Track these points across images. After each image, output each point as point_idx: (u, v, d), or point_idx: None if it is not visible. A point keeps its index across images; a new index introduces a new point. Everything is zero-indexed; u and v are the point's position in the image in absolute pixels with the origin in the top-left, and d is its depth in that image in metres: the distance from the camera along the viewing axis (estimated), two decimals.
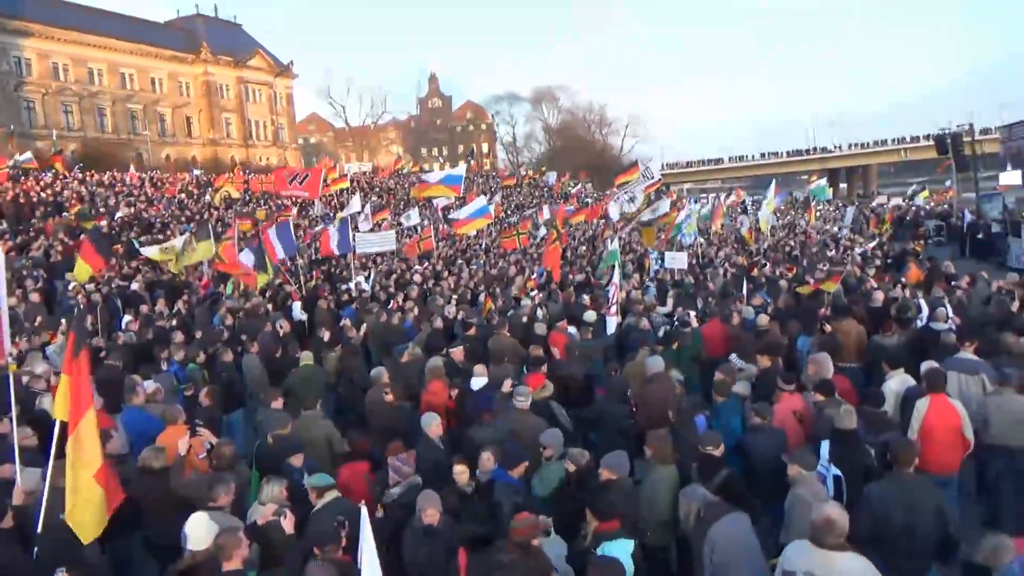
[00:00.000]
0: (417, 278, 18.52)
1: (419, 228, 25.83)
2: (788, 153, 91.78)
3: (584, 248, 26.89)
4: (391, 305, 14.11)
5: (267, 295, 15.59)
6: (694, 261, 20.73)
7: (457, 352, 9.70)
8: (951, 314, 9.90)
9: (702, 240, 25.95)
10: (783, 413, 6.84)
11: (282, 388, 8.84)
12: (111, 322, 13.64)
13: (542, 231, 26.91)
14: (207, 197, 33.09)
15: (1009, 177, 29.41)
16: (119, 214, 26.32)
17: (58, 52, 59.17)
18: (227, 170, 49.33)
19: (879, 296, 11.67)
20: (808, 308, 11.79)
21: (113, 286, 16.35)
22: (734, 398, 7.47)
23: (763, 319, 10.69)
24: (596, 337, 11.07)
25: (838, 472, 5.69)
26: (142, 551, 6.29)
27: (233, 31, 78.26)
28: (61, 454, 5.43)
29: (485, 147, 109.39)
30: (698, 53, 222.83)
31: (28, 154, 34.38)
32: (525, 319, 12.21)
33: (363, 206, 28.54)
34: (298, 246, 20.00)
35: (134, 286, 16.44)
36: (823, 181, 44.36)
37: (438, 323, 11.92)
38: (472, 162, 73.14)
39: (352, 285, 17.24)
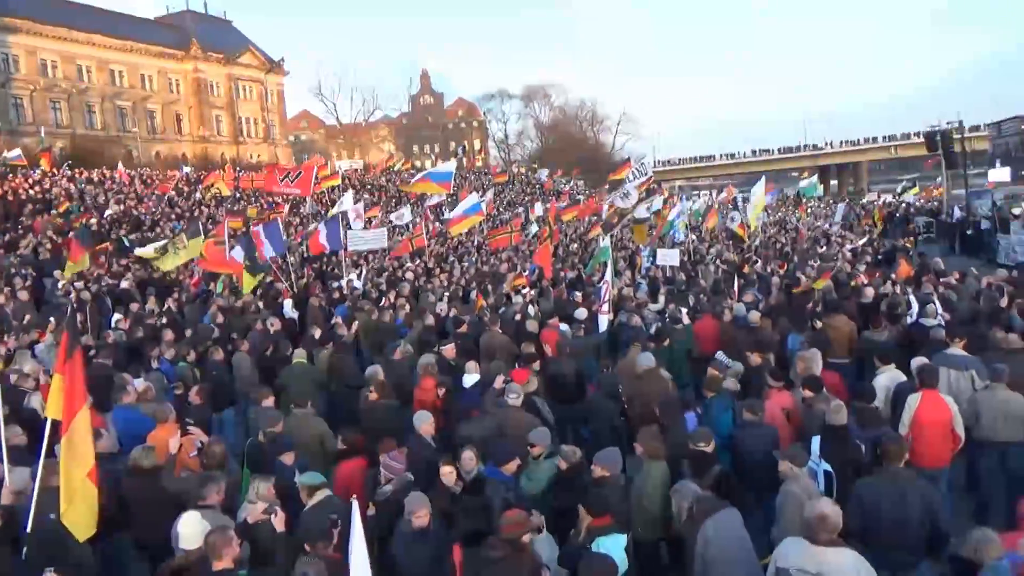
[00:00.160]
0: (409, 275, 18.47)
1: (411, 226, 25.76)
2: (779, 150, 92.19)
3: (576, 245, 26.89)
4: (383, 303, 14.08)
5: (257, 293, 15.53)
6: (686, 258, 20.76)
7: (449, 349, 9.69)
8: (940, 310, 9.96)
9: (694, 237, 25.98)
10: (772, 410, 6.88)
11: (276, 386, 8.83)
12: (101, 320, 13.56)
13: (534, 228, 26.90)
14: (197, 194, 32.93)
15: (998, 174, 29.65)
16: (108, 212, 26.16)
17: (46, 49, 58.63)
18: (217, 167, 49.07)
19: (870, 292, 11.73)
20: (799, 306, 11.86)
21: (103, 284, 16.25)
22: (724, 394, 7.49)
23: (754, 316, 10.73)
24: (588, 334, 11.08)
25: (829, 468, 5.73)
26: (132, 551, 6.27)
27: (223, 28, 77.78)
28: (51, 453, 5.40)
29: (477, 144, 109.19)
30: (690, 50, 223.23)
31: (16, 151, 34.14)
32: (517, 316, 12.22)
33: (355, 203, 28.46)
34: (289, 243, 19.93)
35: (124, 284, 16.35)
36: (814, 178, 44.60)
37: (430, 320, 11.92)
38: (463, 158, 73.01)
39: (344, 283, 17.18)
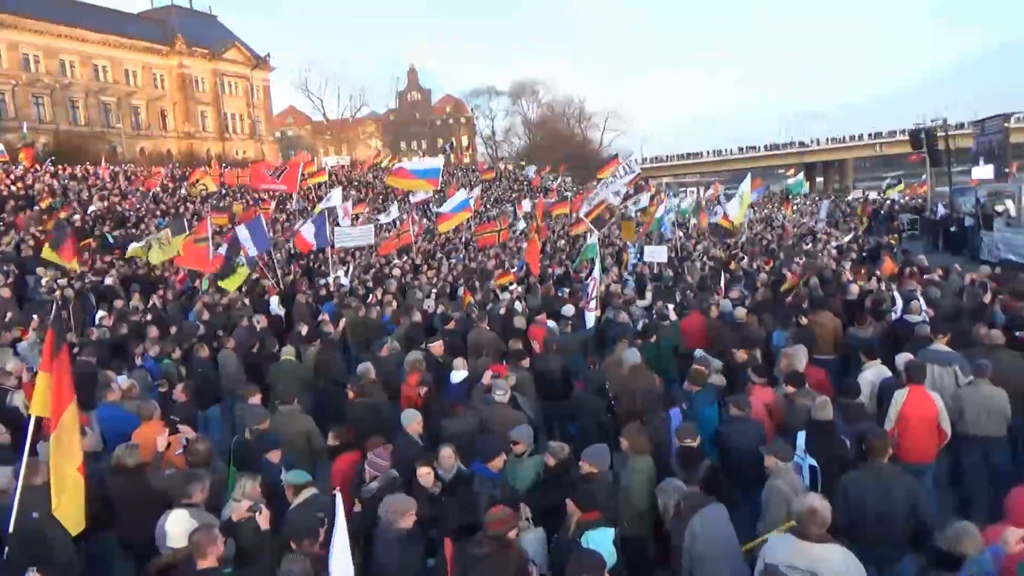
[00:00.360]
0: (396, 272, 18.44)
1: (397, 223, 25.69)
2: (766, 147, 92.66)
3: (563, 242, 26.92)
4: (370, 299, 14.04)
5: (243, 290, 15.44)
6: (673, 255, 20.83)
7: (437, 346, 9.69)
8: (924, 306, 10.04)
9: (681, 234, 26.07)
10: (754, 405, 6.91)
11: (265, 383, 8.79)
12: (85, 318, 13.44)
13: (521, 224, 26.91)
14: (182, 191, 32.68)
15: (981, 171, 29.84)
16: (92, 208, 25.92)
17: (29, 43, 57.93)
18: (203, 164, 48.70)
19: (854, 289, 11.82)
20: (792, 304, 11.91)
21: (86, 281, 16.10)
22: (709, 388, 7.52)
23: (740, 312, 10.78)
24: (575, 331, 11.10)
25: (814, 462, 5.76)
26: (116, 549, 6.22)
27: (208, 23, 77.12)
28: (34, 452, 5.36)
29: (465, 141, 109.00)
30: (677, 48, 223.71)
31: None
32: (502, 311, 12.23)
33: (343, 200, 28.36)
34: (275, 240, 19.83)
35: (108, 281, 16.22)
36: (800, 176, 44.86)
37: (417, 317, 11.90)
38: (451, 155, 72.80)
39: (331, 280, 17.14)
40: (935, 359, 7.45)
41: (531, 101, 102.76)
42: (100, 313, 13.44)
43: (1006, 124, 28.80)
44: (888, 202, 41.08)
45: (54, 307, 8.00)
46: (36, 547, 5.04)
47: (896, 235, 28.04)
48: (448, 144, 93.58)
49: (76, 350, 9.74)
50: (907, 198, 42.62)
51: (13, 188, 27.20)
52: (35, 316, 11.94)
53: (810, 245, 23.64)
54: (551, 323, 11.08)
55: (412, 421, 6.84)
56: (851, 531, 4.98)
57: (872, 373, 7.51)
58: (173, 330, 11.74)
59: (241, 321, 12.21)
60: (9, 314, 12.61)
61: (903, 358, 7.30)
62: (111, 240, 21.42)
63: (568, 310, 11.70)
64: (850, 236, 26.14)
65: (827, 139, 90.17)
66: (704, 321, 10.90)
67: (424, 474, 5.68)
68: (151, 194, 30.81)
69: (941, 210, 27.83)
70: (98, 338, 10.93)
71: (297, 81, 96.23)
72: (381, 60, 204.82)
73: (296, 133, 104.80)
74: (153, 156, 59.71)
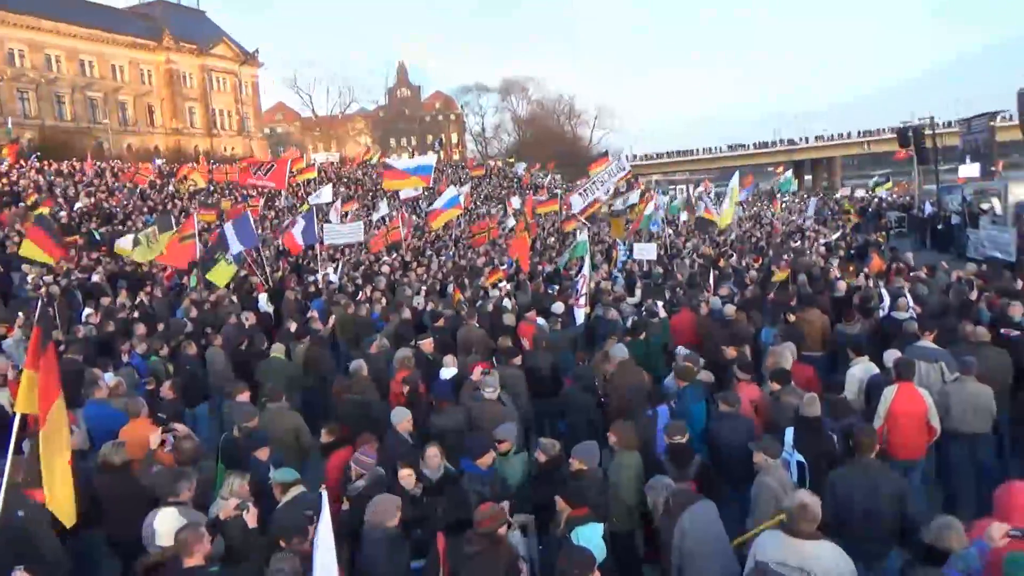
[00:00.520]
0: (385, 269, 18.41)
1: (387, 220, 25.63)
2: (755, 145, 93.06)
3: (553, 239, 26.95)
4: (359, 297, 14.01)
5: (231, 287, 15.37)
6: (662, 252, 20.88)
7: (426, 343, 9.67)
8: (912, 303, 10.11)
9: (670, 231, 26.13)
10: (741, 402, 6.94)
11: (253, 380, 8.75)
12: (71, 315, 13.33)
13: (511, 221, 26.90)
14: (170, 187, 32.47)
15: (968, 170, 30.02)
16: (79, 204, 25.71)
17: (14, 37, 57.31)
18: (191, 160, 48.37)
19: (842, 286, 11.88)
20: (776, 300, 11.97)
21: (73, 278, 15.98)
22: (697, 384, 7.54)
23: (729, 309, 10.82)
24: (565, 328, 11.10)
25: (802, 459, 5.79)
26: (103, 547, 6.18)
27: (196, 18, 76.65)
28: (19, 450, 5.31)
29: (454, 138, 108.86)
30: (667, 46, 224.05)
31: None
32: (490, 308, 12.23)
33: (334, 197, 28.26)
34: (264, 237, 19.74)
35: (95, 278, 16.10)
36: (789, 173, 44.98)
37: (406, 314, 11.87)
38: (440, 151, 72.72)
39: (319, 276, 17.08)
40: (922, 356, 7.49)
41: (521, 98, 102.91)
42: (87, 310, 13.34)
43: (992, 123, 28.95)
44: (876, 200, 41.34)
45: (40, 304, 7.92)
46: (22, 546, 5.00)
47: (884, 232, 28.22)
48: (438, 141, 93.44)
49: (62, 348, 9.67)
50: (895, 196, 42.91)
51: None
52: (20, 313, 11.82)
53: (798, 243, 23.75)
54: (541, 320, 11.08)
55: (402, 419, 6.82)
56: (838, 526, 5.00)
57: (860, 369, 7.56)
58: (160, 327, 11.68)
59: (229, 318, 12.15)
60: None
61: (891, 355, 7.34)
62: (98, 237, 21.26)
63: (558, 307, 11.71)
64: (838, 234, 26.29)
65: (815, 137, 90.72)
66: (694, 318, 10.93)
67: (405, 476, 5.58)
68: (138, 190, 30.59)
69: (928, 208, 28.01)
70: (85, 335, 10.86)
71: (286, 77, 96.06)
72: (371, 57, 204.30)
73: (285, 130, 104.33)
74: (140, 152, 59.32)
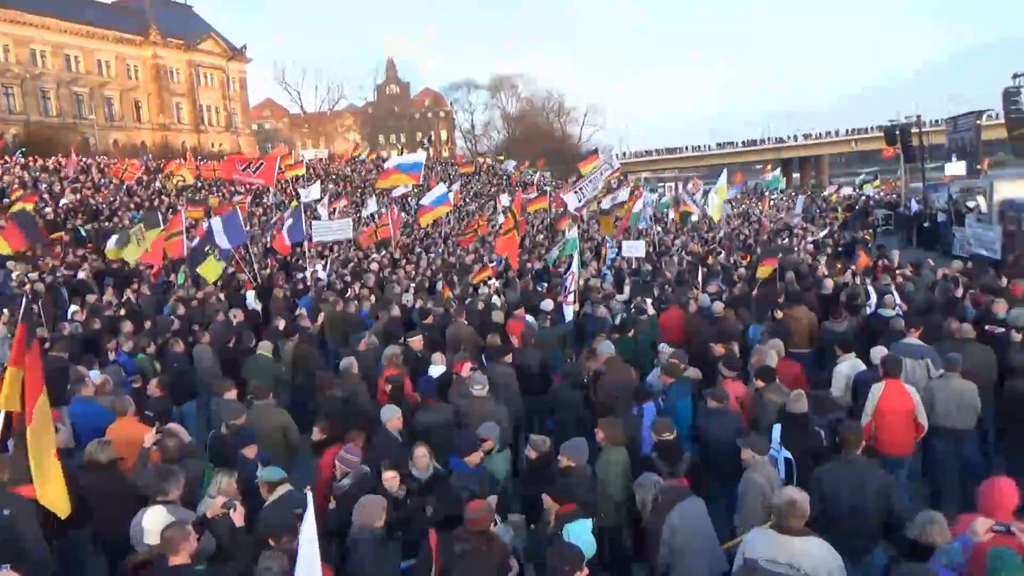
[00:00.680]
0: (374, 266, 18.35)
1: (376, 217, 25.55)
2: (743, 143, 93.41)
3: (542, 236, 26.94)
4: (348, 294, 13.96)
5: (219, 284, 15.28)
6: (651, 249, 20.91)
7: (416, 340, 9.65)
8: (898, 300, 10.18)
9: (659, 229, 26.17)
10: None
11: (240, 378, 8.70)
12: (56, 312, 13.22)
13: (500, 218, 26.86)
14: (157, 183, 32.22)
15: (954, 168, 30.29)
16: (64, 200, 25.49)
17: None
18: (178, 156, 48.06)
19: (829, 283, 11.94)
20: (762, 297, 12.03)
21: (58, 275, 15.85)
22: (684, 380, 7.57)
23: (718, 306, 10.86)
24: (554, 325, 11.11)
25: (789, 455, 5.82)
26: (89, 546, 6.14)
27: (183, 13, 76.05)
28: (4, 448, 5.27)
29: (444, 135, 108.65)
30: (657, 44, 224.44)
31: None
32: (482, 307, 12.22)
33: (322, 195, 28.14)
34: (252, 234, 19.62)
35: (81, 275, 15.97)
36: (777, 171, 45.22)
37: (395, 312, 11.85)
38: (429, 148, 72.59)
39: (308, 274, 17.01)
40: (908, 352, 7.54)
41: (510, 95, 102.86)
42: (73, 307, 13.23)
43: (978, 122, 29.24)
44: (863, 198, 41.57)
45: (24, 301, 7.85)
46: (8, 545, 4.96)
47: (871, 230, 28.40)
48: (427, 138, 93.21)
49: (48, 346, 9.59)
50: (882, 194, 43.19)
51: None
52: (5, 310, 11.71)
53: (786, 240, 23.85)
54: (529, 317, 11.09)
55: (392, 417, 6.80)
56: (825, 522, 5.03)
57: (847, 366, 7.61)
58: (147, 325, 11.59)
59: (217, 315, 12.08)
60: None
61: (878, 351, 7.39)
62: (84, 233, 21.10)
63: (547, 305, 11.70)
64: (826, 231, 26.43)
65: (803, 135, 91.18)
66: (682, 315, 10.97)
67: (389, 478, 5.50)
68: (125, 187, 30.35)
69: (915, 206, 28.21)
70: (70, 333, 10.77)
71: (274, 73, 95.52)
72: (360, 53, 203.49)
73: (273, 126, 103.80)
74: (127, 148, 58.88)
